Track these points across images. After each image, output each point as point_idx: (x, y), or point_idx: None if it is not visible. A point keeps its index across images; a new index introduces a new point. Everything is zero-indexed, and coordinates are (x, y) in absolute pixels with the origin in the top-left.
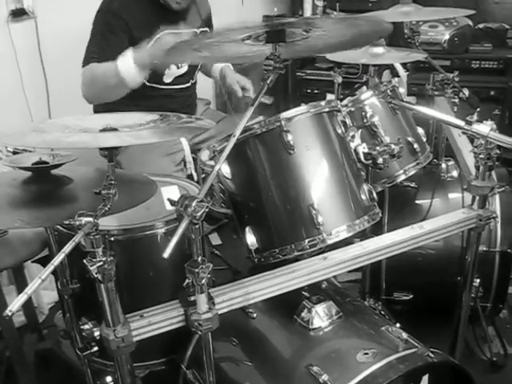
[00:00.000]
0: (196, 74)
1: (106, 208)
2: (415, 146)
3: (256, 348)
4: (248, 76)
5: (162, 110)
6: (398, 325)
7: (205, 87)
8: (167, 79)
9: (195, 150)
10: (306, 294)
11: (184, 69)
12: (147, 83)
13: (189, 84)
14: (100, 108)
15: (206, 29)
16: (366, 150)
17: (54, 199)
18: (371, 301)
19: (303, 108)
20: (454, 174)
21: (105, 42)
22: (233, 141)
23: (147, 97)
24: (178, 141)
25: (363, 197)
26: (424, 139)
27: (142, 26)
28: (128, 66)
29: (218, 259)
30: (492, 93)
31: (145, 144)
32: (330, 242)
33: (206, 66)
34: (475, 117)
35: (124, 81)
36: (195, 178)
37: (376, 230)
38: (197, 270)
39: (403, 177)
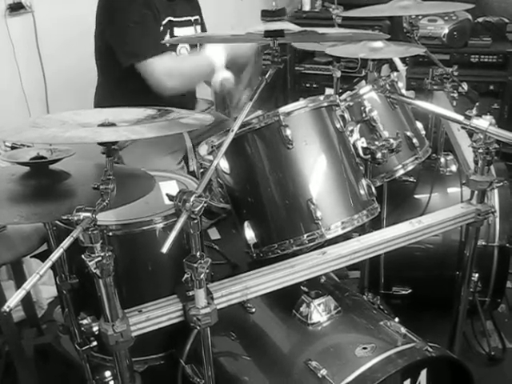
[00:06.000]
0: None
1: (105, 203)
2: (414, 140)
3: (255, 343)
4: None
5: (169, 105)
6: (396, 319)
7: (209, 88)
8: None
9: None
10: (304, 288)
11: None
12: None
13: None
14: (102, 103)
15: (198, 17)
16: (365, 145)
17: (53, 194)
18: (370, 295)
19: (302, 103)
20: (453, 168)
21: (147, 30)
22: (231, 135)
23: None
24: (179, 139)
25: (362, 191)
26: (423, 134)
27: (155, 14)
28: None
29: (217, 254)
30: (491, 87)
31: (144, 139)
32: (328, 236)
33: None
34: (474, 111)
35: (213, 65)
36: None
37: (375, 224)
38: (195, 265)
39: (402, 171)
